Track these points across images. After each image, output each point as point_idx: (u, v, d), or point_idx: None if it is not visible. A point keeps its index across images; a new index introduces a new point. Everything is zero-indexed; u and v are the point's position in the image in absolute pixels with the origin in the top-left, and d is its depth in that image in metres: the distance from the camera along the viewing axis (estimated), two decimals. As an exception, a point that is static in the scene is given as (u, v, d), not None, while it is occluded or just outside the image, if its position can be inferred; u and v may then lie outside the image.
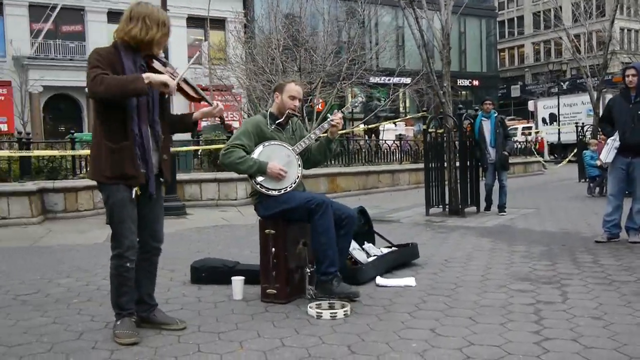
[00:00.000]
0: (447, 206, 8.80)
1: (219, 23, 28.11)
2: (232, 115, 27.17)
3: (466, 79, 38.58)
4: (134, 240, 3.18)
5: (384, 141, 15.20)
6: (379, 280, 4.51)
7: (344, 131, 13.59)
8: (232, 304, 3.95)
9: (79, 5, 27.73)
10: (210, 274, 4.54)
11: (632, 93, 5.96)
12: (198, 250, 6.21)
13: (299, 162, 4.03)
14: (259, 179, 3.91)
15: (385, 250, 5.16)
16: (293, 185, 3.96)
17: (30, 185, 8.77)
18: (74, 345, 3.14)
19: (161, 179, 3.30)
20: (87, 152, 10.86)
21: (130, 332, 3.12)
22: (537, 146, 24.65)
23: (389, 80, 23.27)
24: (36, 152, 9.46)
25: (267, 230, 3.99)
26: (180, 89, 3.22)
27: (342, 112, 4.21)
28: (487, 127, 8.68)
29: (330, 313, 3.57)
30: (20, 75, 25.52)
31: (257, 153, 3.95)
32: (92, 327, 3.46)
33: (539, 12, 43.20)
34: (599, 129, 6.95)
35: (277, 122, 4.10)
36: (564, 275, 4.64)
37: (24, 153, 9.05)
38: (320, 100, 19.00)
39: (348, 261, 4.58)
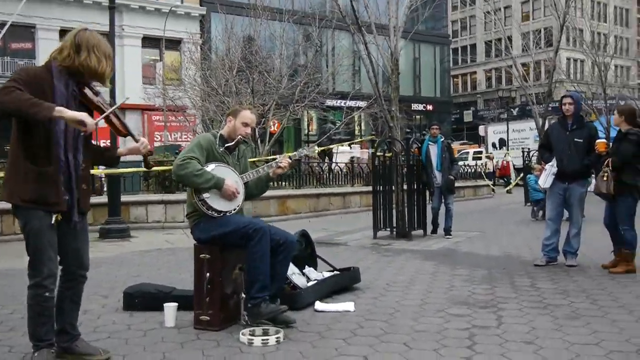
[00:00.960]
0: (394, 229, 8.84)
1: (174, 44, 27.95)
2: (185, 136, 26.92)
3: (420, 103, 39.30)
4: (54, 268, 3.02)
5: (335, 163, 15.25)
6: (318, 305, 4.45)
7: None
8: (163, 332, 3.82)
9: (30, 22, 27.09)
10: (144, 300, 4.39)
11: (569, 121, 6.14)
12: (138, 274, 6.03)
13: (244, 191, 4.00)
14: (205, 195, 3.82)
15: (327, 274, 5.11)
16: (233, 211, 3.89)
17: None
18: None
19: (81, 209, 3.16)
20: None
21: (47, 366, 2.97)
22: (499, 170, 24.99)
23: (344, 103, 23.48)
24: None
25: (202, 255, 3.89)
26: (109, 122, 3.13)
27: (289, 157, 4.20)
28: (434, 151, 8.80)
29: (262, 339, 3.49)
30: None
31: (210, 170, 3.86)
32: (7, 359, 3.28)
33: (491, 40, 44.61)
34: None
35: (226, 145, 4.05)
36: (501, 299, 4.68)
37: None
38: (276, 122, 19.05)
39: (287, 286, 4.52)
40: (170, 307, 3.98)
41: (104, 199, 9.76)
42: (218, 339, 3.64)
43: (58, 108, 2.82)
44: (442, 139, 8.92)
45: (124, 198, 10.04)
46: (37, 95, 2.86)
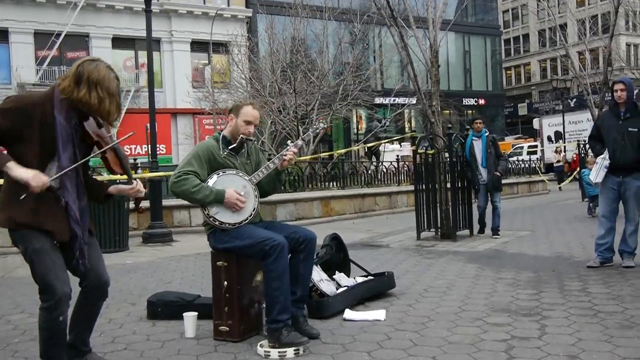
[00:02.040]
0: (438, 230, 8.49)
1: (222, 47, 28.24)
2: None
3: (472, 97, 38.31)
4: (68, 290, 2.81)
5: (381, 162, 14.92)
6: (347, 313, 4.22)
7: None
8: (181, 343, 3.68)
9: (84, 32, 27.92)
10: (167, 308, 4.27)
11: (621, 109, 5.67)
12: (170, 280, 5.96)
13: (256, 193, 3.74)
14: (213, 210, 3.63)
15: (360, 280, 4.87)
16: (249, 218, 3.68)
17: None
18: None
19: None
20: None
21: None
22: (570, 165, 23.44)
23: (390, 100, 23.05)
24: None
25: (219, 263, 3.73)
26: (104, 158, 2.95)
27: (302, 139, 3.96)
28: (478, 147, 8.40)
29: (279, 352, 3.29)
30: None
31: (212, 182, 3.64)
32: None
33: (544, 29, 43.01)
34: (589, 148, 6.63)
35: (230, 147, 3.83)
36: (546, 306, 4.32)
37: None
38: (326, 125, 18.74)
39: (314, 293, 4.31)
40: (189, 316, 3.84)
41: (146, 203, 9.80)
42: (236, 351, 3.47)
43: (9, 164, 2.65)
44: (487, 134, 8.49)
45: (167, 202, 10.06)
46: (24, 126, 2.71)
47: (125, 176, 3.08)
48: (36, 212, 2.77)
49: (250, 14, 29.91)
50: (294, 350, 3.32)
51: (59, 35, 26.49)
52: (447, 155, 8.42)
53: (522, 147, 29.61)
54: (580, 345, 3.36)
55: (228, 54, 22.61)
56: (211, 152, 3.74)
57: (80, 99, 2.77)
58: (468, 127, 9.29)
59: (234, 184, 3.66)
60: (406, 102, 22.13)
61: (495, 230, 8.34)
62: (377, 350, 3.43)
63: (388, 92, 23.69)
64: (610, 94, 6.00)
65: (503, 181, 17.22)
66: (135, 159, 13.89)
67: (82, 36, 28.13)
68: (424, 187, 8.55)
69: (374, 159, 17.64)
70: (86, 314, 3.05)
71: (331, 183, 12.98)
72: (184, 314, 3.85)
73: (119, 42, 28.09)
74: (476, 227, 8.73)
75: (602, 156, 5.73)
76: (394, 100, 22.95)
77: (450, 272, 5.86)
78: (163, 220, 9.53)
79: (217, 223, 3.62)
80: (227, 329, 3.67)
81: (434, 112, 8.42)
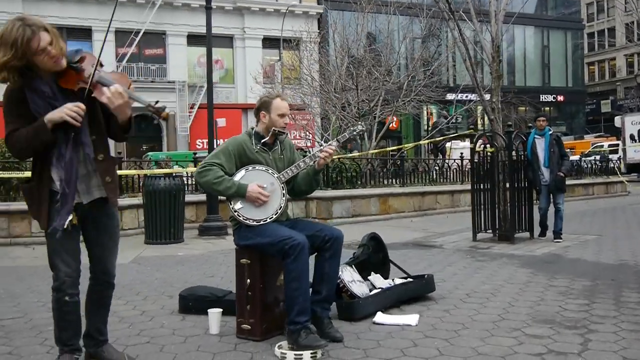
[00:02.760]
0: (496, 231, 8.12)
1: (292, 43, 28.43)
2: (306, 135, 27.09)
3: (550, 94, 36.72)
4: (71, 273, 2.90)
5: (442, 160, 14.50)
6: (378, 317, 4.07)
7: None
8: (204, 339, 3.66)
9: (161, 29, 28.88)
10: (197, 303, 4.27)
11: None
12: (213, 274, 6.00)
13: (284, 191, 3.67)
14: (237, 205, 3.59)
15: (399, 281, 4.70)
16: (274, 217, 3.60)
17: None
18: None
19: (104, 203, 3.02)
20: (142, 172, 11.03)
21: (65, 371, 2.89)
22: None
23: (466, 96, 22.39)
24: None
25: (242, 260, 3.67)
26: (92, 98, 2.80)
27: (337, 140, 3.84)
28: (540, 145, 7.95)
29: (295, 355, 3.20)
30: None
31: (239, 177, 3.61)
32: None
33: (632, 22, 40.48)
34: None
35: (262, 141, 3.77)
36: (596, 318, 4.00)
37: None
38: (394, 118, 18.45)
39: (344, 294, 4.19)
40: (213, 313, 3.81)
41: (203, 196, 9.97)
42: (255, 350, 3.41)
43: (46, 117, 2.69)
44: (551, 132, 8.03)
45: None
46: (26, 107, 2.75)
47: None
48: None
49: (322, 10, 29.92)
50: (311, 353, 3.21)
51: (137, 33, 27.60)
52: (508, 154, 8.03)
53: (601, 146, 28.03)
54: (624, 365, 3.07)
55: (298, 51, 22.71)
56: (242, 147, 3.70)
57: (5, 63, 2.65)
58: (530, 125, 8.82)
59: (261, 180, 3.61)
60: (477, 98, 21.43)
61: (557, 234, 7.88)
62: (399, 357, 3.27)
63: (450, 87, 23.02)
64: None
65: (577, 182, 16.48)
66: (195, 153, 14.21)
67: (159, 34, 29.12)
68: (482, 187, 8.20)
69: (440, 156, 17.21)
70: (95, 302, 3.11)
71: (392, 180, 12.74)
72: (209, 310, 3.83)
73: (193, 39, 28.81)
74: (537, 229, 8.29)
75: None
76: (466, 96, 22.28)
77: (499, 277, 5.56)
78: (219, 213, 9.66)
79: (241, 218, 3.57)
80: (249, 327, 3.62)
81: (493, 109, 8.05)
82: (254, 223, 3.56)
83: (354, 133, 3.95)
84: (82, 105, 2.74)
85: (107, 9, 27.24)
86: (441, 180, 13.85)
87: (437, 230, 9.57)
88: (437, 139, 17.19)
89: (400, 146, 16.28)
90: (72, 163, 2.80)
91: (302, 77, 19.94)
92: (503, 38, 8.26)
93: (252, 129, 3.84)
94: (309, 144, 21.40)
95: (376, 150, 14.36)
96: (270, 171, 3.67)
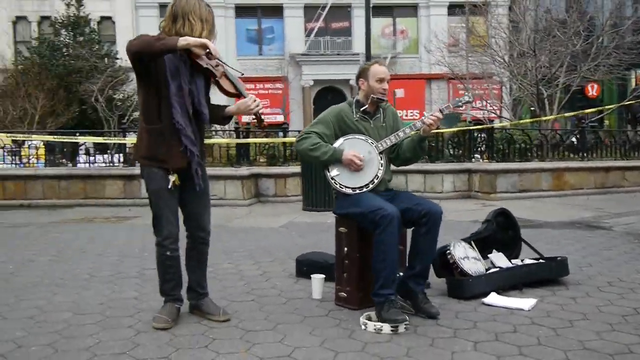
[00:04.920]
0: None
1: (480, 9, 27.03)
2: (490, 104, 25.74)
3: None
4: (173, 230, 3.21)
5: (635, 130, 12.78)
6: (490, 297, 3.81)
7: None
8: (303, 303, 3.77)
9: (346, 2, 29.50)
10: (311, 268, 4.39)
11: None
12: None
13: (382, 161, 3.61)
14: (334, 172, 3.62)
15: (529, 262, 4.34)
16: (370, 186, 3.57)
17: (244, 171, 9.69)
18: (114, 322, 3.36)
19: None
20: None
21: (165, 318, 3.21)
22: None
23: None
24: (251, 140, 10.42)
25: (340, 229, 3.70)
26: (216, 83, 3.18)
27: (440, 110, 3.66)
28: None
29: (375, 326, 3.16)
30: (294, 71, 28.45)
31: (337, 145, 3.64)
32: (144, 308, 3.62)
33: None
34: None
35: (362, 109, 3.73)
36: None
37: (240, 141, 10.04)
38: (595, 85, 16.45)
39: (456, 271, 4.00)
40: (316, 279, 3.90)
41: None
42: (344, 318, 3.43)
43: (182, 38, 2.95)
44: None
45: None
46: (149, 64, 3.06)
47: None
48: (150, 146, 3.15)
49: (513, -29, 27.94)
50: (392, 327, 3.14)
51: (324, 7, 28.52)
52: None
53: None
54: None
55: (486, 16, 21.56)
56: (342, 116, 3.71)
57: (178, 31, 3.07)
58: None
59: (358, 148, 3.59)
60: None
61: None
62: (487, 342, 3.04)
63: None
64: None
65: None
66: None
67: (345, 7, 29.76)
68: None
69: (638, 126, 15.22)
70: (194, 259, 3.40)
71: (566, 153, 11.64)
72: (312, 276, 3.94)
73: (378, 10, 28.86)
74: None
75: None
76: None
77: (660, 267, 4.83)
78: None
79: (337, 186, 3.60)
80: (346, 295, 3.65)
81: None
82: (350, 191, 3.57)
83: (459, 104, 3.74)
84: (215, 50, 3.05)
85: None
86: (633, 154, 12.28)
87: (613, 211, 8.55)
88: (631, 102, 15.07)
89: (579, 112, 14.54)
90: (188, 126, 3.15)
91: (490, 44, 18.91)
92: None
93: (353, 98, 3.82)
94: (492, 115, 20.29)
95: (553, 117, 13.11)
96: (369, 141, 3.63)
